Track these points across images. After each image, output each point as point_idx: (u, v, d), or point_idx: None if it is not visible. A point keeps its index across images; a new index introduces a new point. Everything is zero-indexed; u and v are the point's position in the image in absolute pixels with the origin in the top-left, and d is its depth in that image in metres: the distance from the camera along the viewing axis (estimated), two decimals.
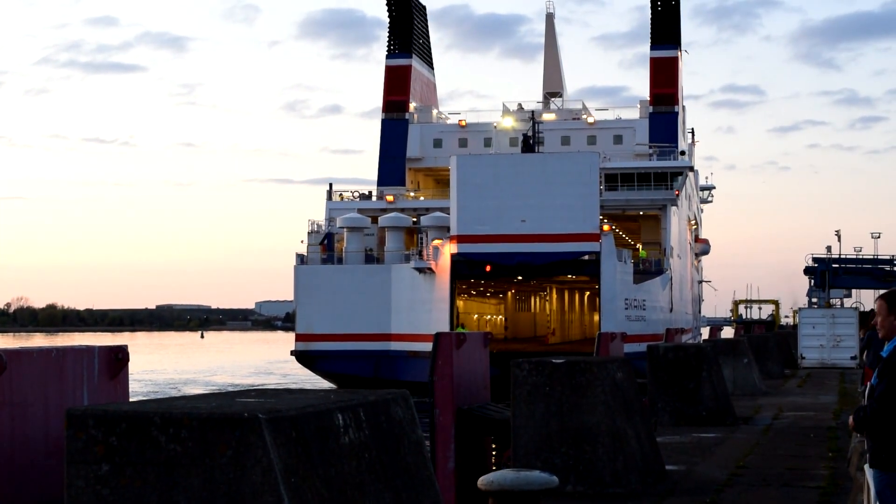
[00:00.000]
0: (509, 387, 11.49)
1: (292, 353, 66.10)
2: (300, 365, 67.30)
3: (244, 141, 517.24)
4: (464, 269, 61.08)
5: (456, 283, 61.57)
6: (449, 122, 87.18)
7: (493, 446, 13.61)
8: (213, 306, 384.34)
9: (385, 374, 62.60)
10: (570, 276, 66.56)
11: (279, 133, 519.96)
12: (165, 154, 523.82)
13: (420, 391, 13.89)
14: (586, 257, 60.74)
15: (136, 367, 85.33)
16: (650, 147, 76.79)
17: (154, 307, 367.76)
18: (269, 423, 4.81)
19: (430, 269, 61.36)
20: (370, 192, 77.13)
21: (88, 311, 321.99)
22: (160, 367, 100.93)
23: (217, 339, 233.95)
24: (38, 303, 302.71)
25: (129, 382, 7.02)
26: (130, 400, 6.12)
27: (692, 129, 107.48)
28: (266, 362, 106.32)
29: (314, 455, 5.04)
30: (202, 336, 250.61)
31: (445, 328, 58.42)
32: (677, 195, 70.95)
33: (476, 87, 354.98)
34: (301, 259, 67.23)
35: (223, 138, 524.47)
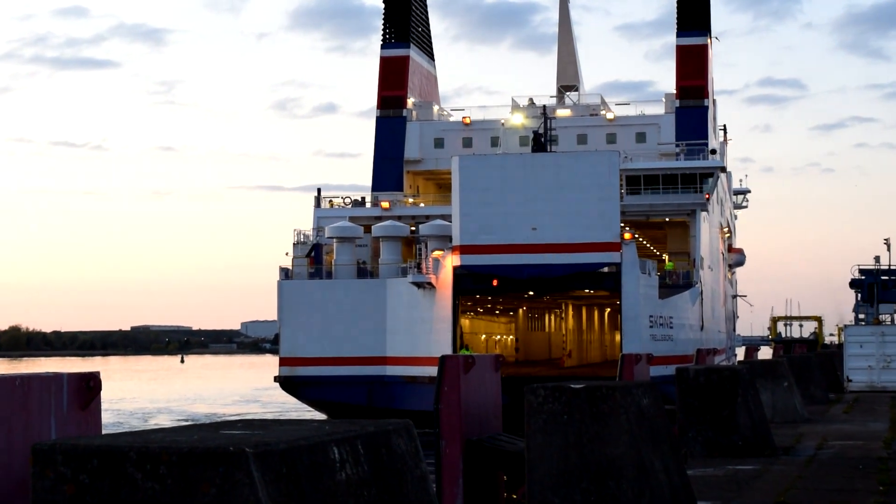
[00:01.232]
0: (521, 415, 11.52)
1: (276, 378, 66.13)
2: (285, 392, 67.34)
3: (229, 144, 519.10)
4: (467, 283, 61.20)
5: (459, 299, 61.70)
6: (452, 119, 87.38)
7: (506, 482, 13.73)
8: (195, 327, 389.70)
9: (380, 402, 62.63)
10: (587, 290, 66.64)
11: (268, 135, 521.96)
12: (142, 159, 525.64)
13: (421, 421, 13.93)
14: (606, 269, 60.82)
15: (108, 396, 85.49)
16: (677, 145, 76.89)
17: (129, 329, 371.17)
18: (257, 457, 4.85)
19: (429, 283, 61.44)
20: (363, 199, 77.34)
21: (56, 333, 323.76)
22: (134, 395, 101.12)
23: (199, 364, 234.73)
24: (0, 324, 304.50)
25: (102, 413, 7.05)
26: (103, 433, 6.15)
27: (724, 125, 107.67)
28: (252, 389, 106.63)
29: (307, 493, 5.08)
30: (182, 360, 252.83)
31: (447, 350, 58.41)
32: (708, 199, 71.07)
33: (485, 82, 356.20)
34: (286, 273, 67.35)
35: (206, 141, 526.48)
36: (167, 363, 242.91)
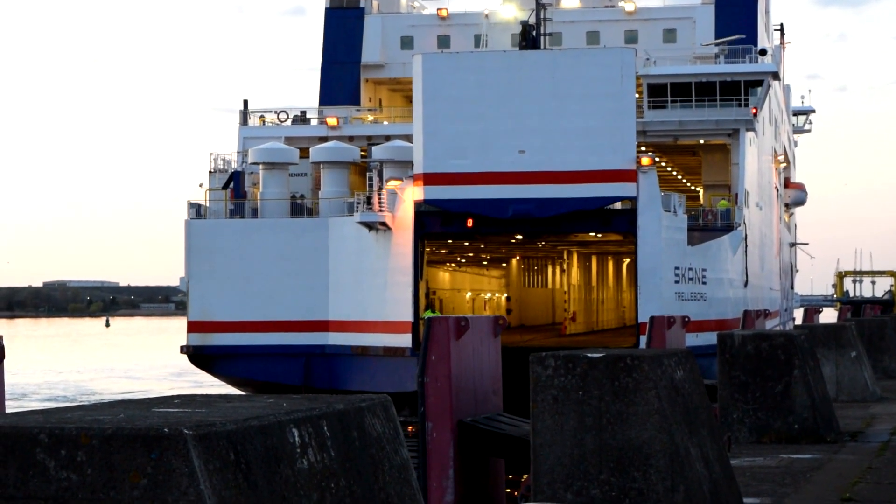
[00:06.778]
0: (516, 394, 11.79)
1: (183, 349, 66.18)
2: (196, 367, 67.47)
3: (171, 55, 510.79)
4: (433, 224, 61.07)
5: (423, 244, 61.60)
6: (425, 12, 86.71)
7: (507, 472, 14.18)
8: (123, 283, 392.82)
9: (320, 380, 62.85)
10: (593, 234, 66.82)
11: (218, 42, 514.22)
12: (50, 68, 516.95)
13: None
14: (618, 205, 60.92)
15: (11, 366, 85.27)
16: (716, 45, 76.79)
17: (41, 285, 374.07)
18: (198, 440, 5.04)
19: (383, 223, 61.24)
20: (303, 114, 76.77)
21: None
22: (27, 366, 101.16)
23: (127, 328, 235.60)
24: None
25: (5, 387, 7.22)
26: (7, 411, 6.32)
27: (781, 24, 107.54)
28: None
29: (260, 484, 5.29)
30: (108, 324, 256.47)
31: (406, 312, 58.57)
32: (755, 115, 71.19)
33: None
34: (197, 210, 67.04)
35: (141, 49, 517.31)
36: (89, 327, 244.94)
